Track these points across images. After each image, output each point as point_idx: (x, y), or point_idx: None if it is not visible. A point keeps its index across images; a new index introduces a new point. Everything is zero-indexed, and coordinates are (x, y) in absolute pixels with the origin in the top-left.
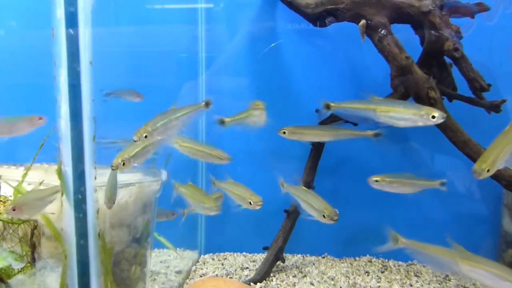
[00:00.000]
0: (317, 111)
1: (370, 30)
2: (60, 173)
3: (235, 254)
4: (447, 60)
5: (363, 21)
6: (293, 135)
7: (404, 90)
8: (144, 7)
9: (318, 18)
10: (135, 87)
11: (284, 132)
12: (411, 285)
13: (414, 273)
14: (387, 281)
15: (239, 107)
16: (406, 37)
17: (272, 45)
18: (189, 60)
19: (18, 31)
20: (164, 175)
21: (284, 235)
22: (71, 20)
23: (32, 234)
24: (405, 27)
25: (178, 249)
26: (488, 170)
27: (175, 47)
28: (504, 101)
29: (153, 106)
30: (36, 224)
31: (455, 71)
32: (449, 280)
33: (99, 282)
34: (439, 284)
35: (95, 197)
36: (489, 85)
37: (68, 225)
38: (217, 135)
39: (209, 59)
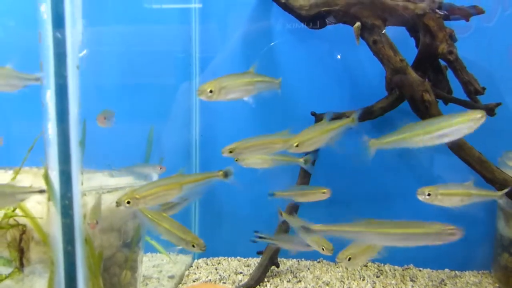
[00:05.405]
0: (312, 113)
1: (365, 32)
2: (46, 178)
3: (229, 258)
4: (442, 62)
5: (358, 23)
6: None
7: (399, 93)
8: (137, 7)
9: (312, 20)
10: (128, 87)
11: None
12: None
13: (410, 277)
14: (382, 286)
15: (233, 107)
16: (401, 40)
17: (272, 44)
18: (184, 60)
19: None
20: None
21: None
22: (58, 21)
23: (21, 239)
24: (400, 29)
25: (171, 253)
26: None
27: (169, 47)
28: (498, 104)
29: (147, 107)
30: (24, 229)
31: (450, 74)
32: (445, 285)
33: None
34: None
35: (83, 202)
36: (484, 89)
37: (55, 230)
38: (211, 137)
39: (204, 59)
